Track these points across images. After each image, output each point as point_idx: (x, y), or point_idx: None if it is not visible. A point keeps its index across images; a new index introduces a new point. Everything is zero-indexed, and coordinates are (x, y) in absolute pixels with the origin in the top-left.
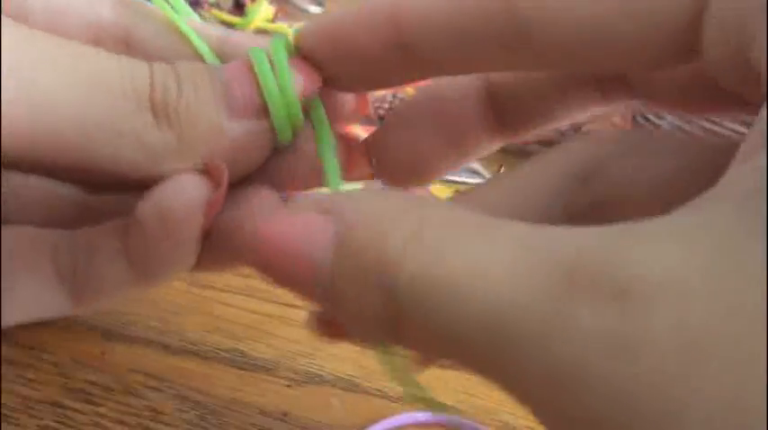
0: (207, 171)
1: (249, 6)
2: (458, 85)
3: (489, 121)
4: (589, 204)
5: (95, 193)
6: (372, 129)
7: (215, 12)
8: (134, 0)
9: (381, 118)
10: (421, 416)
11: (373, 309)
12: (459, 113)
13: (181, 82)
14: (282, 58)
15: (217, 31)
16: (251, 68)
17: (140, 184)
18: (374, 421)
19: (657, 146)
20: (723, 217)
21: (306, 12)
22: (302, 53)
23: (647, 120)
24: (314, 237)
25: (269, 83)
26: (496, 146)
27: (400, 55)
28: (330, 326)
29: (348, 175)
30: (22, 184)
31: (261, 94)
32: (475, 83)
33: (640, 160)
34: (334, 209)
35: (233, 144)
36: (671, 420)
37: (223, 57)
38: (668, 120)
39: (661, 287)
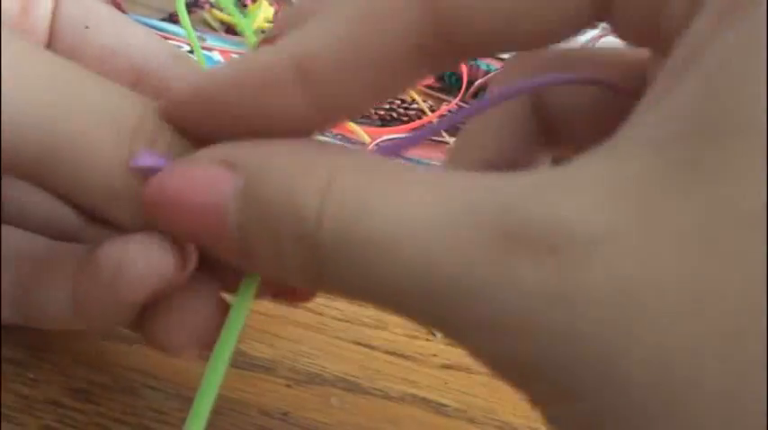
0: (177, 250)
1: (250, 7)
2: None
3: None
4: (544, 135)
5: (93, 224)
6: (372, 129)
7: (215, 12)
8: (191, 63)
9: (381, 118)
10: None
11: (294, 262)
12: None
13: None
14: None
15: None
16: None
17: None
18: (375, 422)
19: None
20: (645, 168)
21: None
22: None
23: None
24: (217, 187)
25: None
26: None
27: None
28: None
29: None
30: (24, 196)
31: None
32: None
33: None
34: (239, 161)
35: None
36: (611, 361)
37: None
38: None
39: (591, 242)
